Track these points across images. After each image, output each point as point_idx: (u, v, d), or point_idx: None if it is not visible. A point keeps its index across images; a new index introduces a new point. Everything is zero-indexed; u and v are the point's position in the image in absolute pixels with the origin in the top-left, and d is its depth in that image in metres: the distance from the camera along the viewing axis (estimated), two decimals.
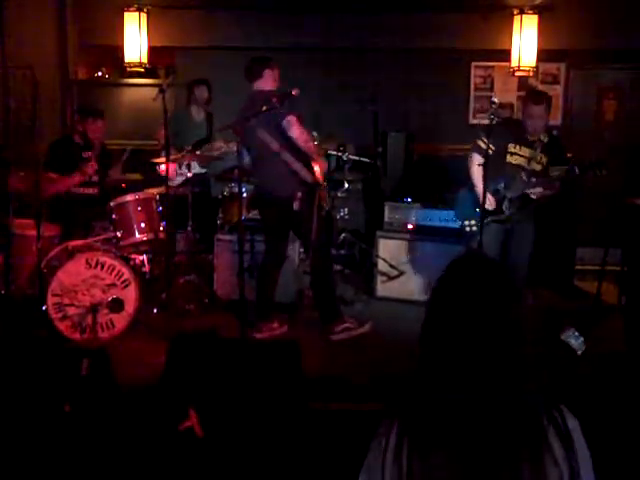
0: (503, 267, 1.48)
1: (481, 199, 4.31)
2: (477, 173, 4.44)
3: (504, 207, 4.47)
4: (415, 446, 1.32)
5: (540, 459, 1.29)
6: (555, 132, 6.85)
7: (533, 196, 4.42)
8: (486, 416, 1.32)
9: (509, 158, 4.45)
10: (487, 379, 1.35)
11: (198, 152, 5.47)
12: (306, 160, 4.41)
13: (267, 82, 4.48)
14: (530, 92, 5.00)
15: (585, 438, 1.36)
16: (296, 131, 4.28)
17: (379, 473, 1.35)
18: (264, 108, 4.17)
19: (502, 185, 4.43)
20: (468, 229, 4.59)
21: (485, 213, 4.27)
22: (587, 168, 4.20)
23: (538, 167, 4.50)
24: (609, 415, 3.14)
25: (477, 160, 4.46)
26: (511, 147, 4.46)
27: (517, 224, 4.52)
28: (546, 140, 4.52)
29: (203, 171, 5.86)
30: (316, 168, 4.41)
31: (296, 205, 4.39)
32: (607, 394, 3.40)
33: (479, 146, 4.48)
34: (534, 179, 4.43)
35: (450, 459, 1.30)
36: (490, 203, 4.41)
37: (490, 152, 4.37)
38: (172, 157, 4.87)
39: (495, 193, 4.44)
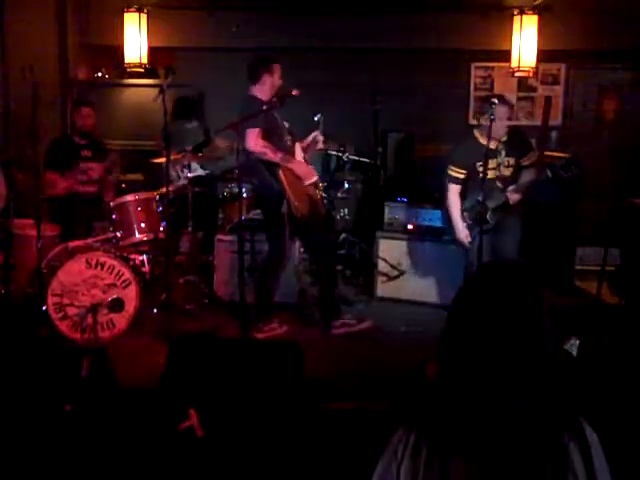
0: (531, 277, 1.42)
1: (458, 234, 4.64)
2: (453, 203, 4.68)
3: (488, 218, 4.56)
4: (434, 456, 1.31)
5: (562, 476, 1.28)
6: (554, 133, 6.91)
7: (512, 201, 4.56)
8: (508, 429, 1.29)
9: (479, 174, 4.46)
10: (511, 390, 1.31)
11: (200, 154, 5.48)
12: (271, 166, 4.39)
13: (263, 88, 4.47)
14: (493, 95, 5.12)
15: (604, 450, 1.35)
16: (250, 144, 4.28)
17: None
18: (264, 108, 4.18)
19: (481, 197, 4.43)
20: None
21: (473, 226, 4.54)
22: (558, 170, 4.37)
23: (508, 171, 4.63)
24: (611, 417, 3.14)
25: (454, 190, 4.69)
26: (478, 166, 4.50)
27: (501, 223, 4.60)
28: (505, 139, 4.61)
29: (204, 173, 5.83)
30: (281, 175, 4.36)
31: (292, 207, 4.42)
32: (608, 396, 3.40)
33: (452, 175, 4.68)
34: (512, 187, 4.57)
35: (469, 471, 1.28)
36: (467, 237, 4.61)
37: (463, 177, 4.65)
38: (172, 157, 4.87)
39: (476, 205, 4.51)
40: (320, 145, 4.78)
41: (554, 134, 6.93)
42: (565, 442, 1.30)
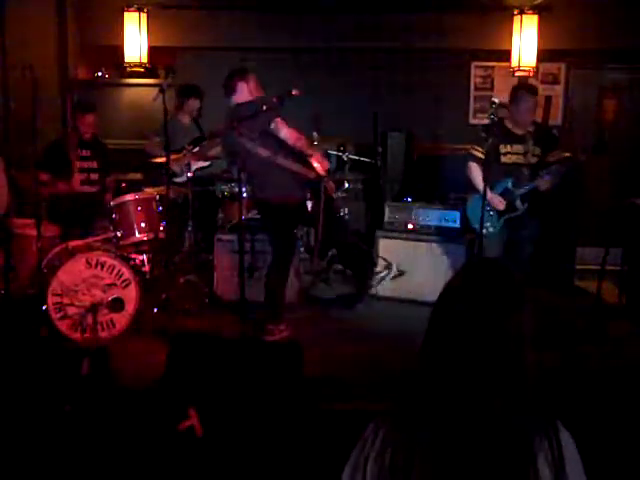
0: (514, 277, 1.41)
1: (491, 200, 4.58)
2: (477, 177, 4.68)
3: (517, 205, 4.63)
4: (400, 452, 1.31)
5: (525, 474, 1.28)
6: (555, 131, 6.91)
7: (543, 188, 4.58)
8: (477, 427, 1.30)
9: (503, 159, 4.61)
10: (484, 391, 1.31)
11: (196, 149, 5.45)
12: (302, 158, 4.41)
13: (242, 95, 4.44)
14: (523, 85, 5.18)
15: (582, 449, 1.35)
16: (285, 132, 4.27)
17: (360, 474, 1.35)
18: (264, 108, 4.17)
19: (510, 184, 4.59)
20: (485, 231, 4.63)
21: (500, 213, 4.61)
22: (589, 152, 4.60)
23: (534, 159, 4.67)
24: (607, 418, 3.14)
25: (475, 168, 4.72)
26: (502, 148, 4.61)
27: (522, 219, 4.66)
28: (533, 129, 4.69)
29: (207, 164, 5.75)
30: (315, 164, 4.41)
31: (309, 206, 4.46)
32: (606, 396, 3.40)
33: (474, 155, 4.72)
34: (542, 172, 4.61)
35: (435, 468, 1.28)
36: (501, 203, 4.62)
37: (482, 156, 4.65)
38: (172, 157, 4.87)
39: (505, 193, 4.61)
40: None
41: (554, 134, 6.92)
42: (534, 448, 1.29)
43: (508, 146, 4.62)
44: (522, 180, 4.61)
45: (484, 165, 4.62)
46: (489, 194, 4.60)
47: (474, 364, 1.32)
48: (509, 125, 4.64)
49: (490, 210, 4.64)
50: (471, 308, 1.35)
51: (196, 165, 5.44)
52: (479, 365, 1.32)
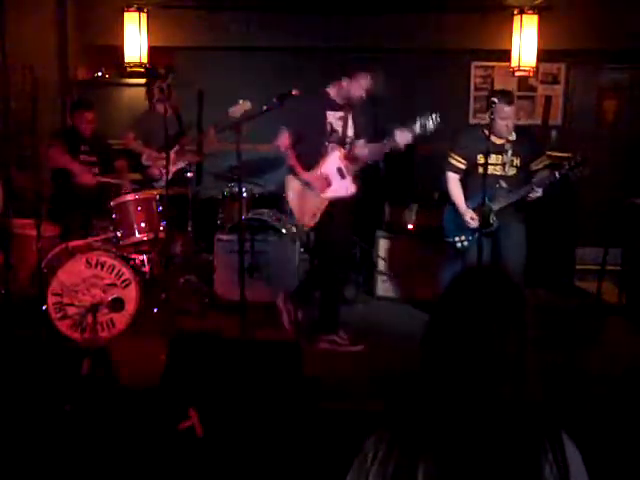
0: (512, 282, 1.40)
1: (464, 216, 4.43)
2: (455, 190, 4.53)
3: (491, 220, 4.40)
4: (404, 464, 1.30)
5: None
6: (554, 133, 6.90)
7: (529, 199, 4.35)
8: (480, 442, 1.28)
9: (481, 170, 4.22)
10: (486, 402, 1.30)
11: (177, 148, 5.45)
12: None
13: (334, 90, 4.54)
14: (499, 92, 4.73)
15: (584, 453, 1.34)
16: (278, 142, 4.30)
17: None
18: (264, 108, 4.17)
19: (486, 198, 4.27)
20: (459, 245, 4.56)
21: (474, 228, 4.33)
22: (567, 171, 4.20)
23: (513, 171, 4.43)
24: (607, 420, 3.14)
25: (453, 181, 4.54)
26: (480, 158, 4.32)
27: (504, 228, 4.42)
28: (514, 138, 4.43)
29: (184, 164, 5.59)
30: (286, 183, 4.32)
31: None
32: (607, 398, 3.40)
33: (452, 164, 4.53)
34: (521, 187, 4.37)
35: (439, 477, 1.28)
36: (474, 219, 4.40)
37: (463, 167, 4.50)
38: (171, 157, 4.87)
39: (480, 207, 4.28)
40: (406, 137, 4.37)
41: (554, 134, 6.92)
42: (539, 457, 1.28)
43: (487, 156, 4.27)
44: (499, 194, 4.37)
45: (465, 174, 4.50)
46: (463, 208, 4.48)
47: (475, 374, 1.31)
48: (488, 133, 4.24)
49: (463, 222, 4.46)
50: (469, 316, 1.34)
51: (175, 167, 5.42)
52: (480, 375, 1.31)
